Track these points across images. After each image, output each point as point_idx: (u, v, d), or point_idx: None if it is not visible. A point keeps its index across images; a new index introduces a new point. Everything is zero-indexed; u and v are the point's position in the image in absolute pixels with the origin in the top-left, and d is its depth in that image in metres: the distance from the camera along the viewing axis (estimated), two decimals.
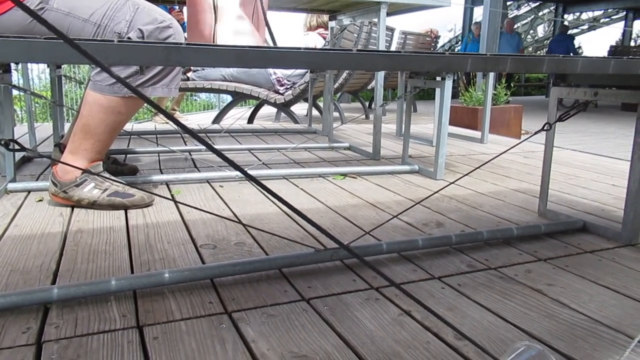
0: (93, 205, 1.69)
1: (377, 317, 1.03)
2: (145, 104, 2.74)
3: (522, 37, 10.60)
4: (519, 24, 16.30)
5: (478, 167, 1.75)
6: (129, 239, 1.44)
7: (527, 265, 1.34)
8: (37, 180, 2.11)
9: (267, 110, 5.86)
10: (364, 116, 5.69)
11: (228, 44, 0.91)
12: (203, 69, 4.51)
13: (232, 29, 2.14)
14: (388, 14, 2.87)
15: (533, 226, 1.59)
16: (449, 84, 2.33)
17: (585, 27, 16.42)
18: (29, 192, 1.90)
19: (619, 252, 1.47)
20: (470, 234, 1.49)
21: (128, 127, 3.75)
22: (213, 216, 1.63)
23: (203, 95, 9.43)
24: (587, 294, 1.17)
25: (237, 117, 4.35)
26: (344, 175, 2.37)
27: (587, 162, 2.91)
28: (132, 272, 1.22)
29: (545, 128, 1.60)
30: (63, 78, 2.86)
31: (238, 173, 2.20)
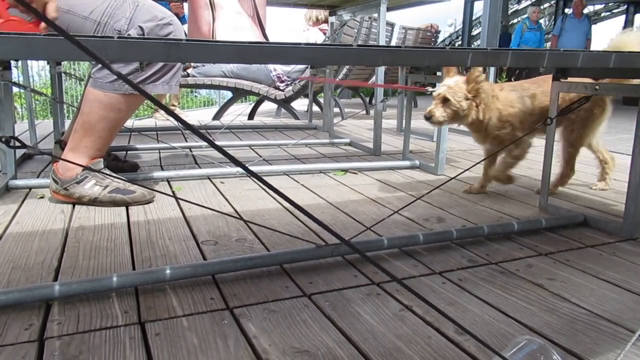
0: (94, 202, 1.69)
1: (379, 312, 1.03)
2: (146, 101, 2.74)
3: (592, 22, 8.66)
4: (519, 19, 16.18)
5: (479, 162, 1.75)
6: (130, 236, 1.44)
7: (528, 259, 1.34)
8: (38, 177, 2.12)
9: (268, 106, 5.85)
10: (364, 112, 5.68)
11: (228, 40, 0.91)
12: (203, 65, 4.51)
13: (231, 25, 2.13)
14: (388, 9, 2.86)
15: (534, 221, 1.59)
16: None
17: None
18: (30, 189, 1.91)
19: (619, 246, 1.47)
20: (471, 229, 1.49)
21: (129, 124, 3.75)
22: (214, 212, 1.63)
23: (203, 92, 9.42)
24: (588, 288, 1.18)
25: (238, 113, 4.34)
26: (345, 171, 2.37)
27: (588, 156, 2.91)
28: (134, 268, 1.22)
29: (546, 122, 1.60)
30: (63, 75, 2.86)
31: (239, 169, 2.20)
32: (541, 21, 8.09)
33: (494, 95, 1.86)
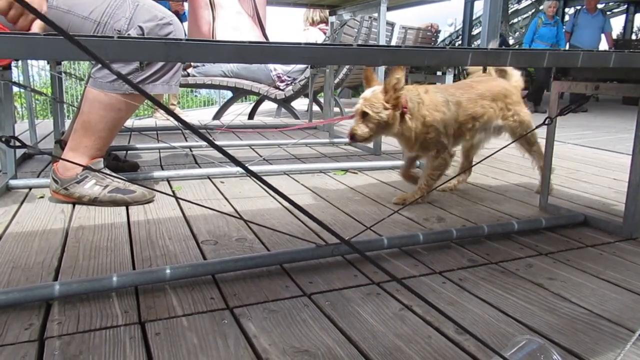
0: (94, 201, 1.69)
1: (379, 312, 1.03)
2: (146, 101, 2.74)
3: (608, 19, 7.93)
4: (519, 18, 16.12)
5: (479, 162, 1.75)
6: (131, 236, 1.44)
7: (528, 259, 1.34)
8: (38, 177, 2.12)
9: (268, 106, 5.85)
10: None
11: (228, 40, 0.90)
12: (203, 65, 4.51)
13: (232, 24, 2.13)
14: (388, 9, 2.86)
15: (534, 220, 1.59)
16: (449, 78, 2.33)
17: None
18: (30, 189, 1.91)
19: (620, 246, 1.47)
20: (471, 229, 1.49)
21: (129, 123, 3.75)
22: (214, 212, 1.63)
23: (203, 91, 9.41)
24: (588, 287, 1.18)
25: (238, 113, 4.34)
26: (345, 170, 2.37)
27: (588, 156, 2.91)
28: (134, 268, 1.22)
29: (546, 122, 1.60)
30: (63, 75, 2.86)
31: (239, 169, 2.20)
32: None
33: (419, 101, 1.76)
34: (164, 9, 1.68)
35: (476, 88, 1.89)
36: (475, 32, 12.50)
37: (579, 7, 7.55)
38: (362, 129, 1.71)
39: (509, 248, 1.42)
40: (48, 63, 2.82)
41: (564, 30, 7.74)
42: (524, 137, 1.94)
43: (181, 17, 4.27)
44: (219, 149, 0.59)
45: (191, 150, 2.77)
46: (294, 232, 1.49)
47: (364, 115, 1.70)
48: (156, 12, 1.64)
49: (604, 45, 7.58)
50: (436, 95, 1.81)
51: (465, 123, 1.85)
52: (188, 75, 4.47)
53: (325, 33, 4.87)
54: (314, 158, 2.69)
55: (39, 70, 6.98)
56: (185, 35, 2.15)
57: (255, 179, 0.67)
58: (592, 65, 1.26)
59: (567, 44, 7.56)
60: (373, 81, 1.80)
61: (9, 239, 1.39)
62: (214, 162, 2.45)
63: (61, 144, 1.97)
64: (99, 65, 1.64)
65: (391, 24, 5.98)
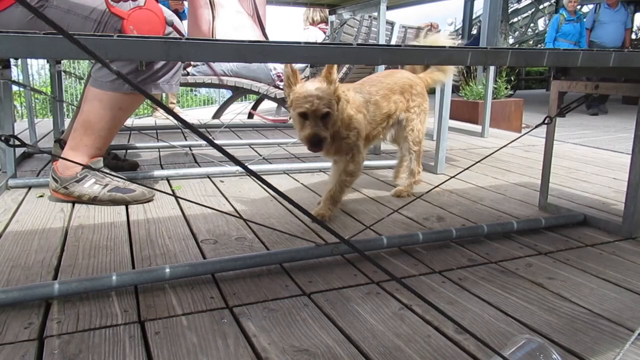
0: (94, 200, 1.69)
1: (378, 311, 1.03)
2: (146, 100, 2.74)
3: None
4: (519, 18, 16.10)
5: (479, 161, 1.75)
6: (130, 235, 1.44)
7: (528, 259, 1.34)
8: (37, 176, 2.12)
9: (268, 105, 5.85)
10: None
11: (227, 39, 0.90)
12: (203, 64, 4.50)
13: (231, 23, 2.13)
14: (388, 8, 2.86)
15: (534, 220, 1.59)
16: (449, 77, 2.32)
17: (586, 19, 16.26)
18: (29, 188, 1.91)
19: (619, 245, 1.47)
20: (471, 228, 1.49)
21: (128, 122, 3.75)
22: (214, 211, 1.63)
23: (203, 90, 9.41)
24: (588, 287, 1.18)
25: (238, 112, 4.34)
26: None
27: (588, 156, 2.91)
28: (134, 267, 1.22)
29: (545, 122, 1.60)
30: (63, 73, 2.86)
31: (239, 168, 2.20)
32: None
33: (346, 99, 1.58)
34: (164, 8, 1.68)
35: (385, 82, 1.83)
36: (474, 31, 12.50)
37: (600, 2, 7.31)
38: (327, 133, 1.46)
39: (509, 247, 1.42)
40: (48, 62, 2.82)
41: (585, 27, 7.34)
42: (404, 129, 1.90)
43: (181, 15, 4.26)
44: (219, 148, 0.59)
45: (191, 149, 2.77)
46: (293, 231, 1.49)
47: (324, 116, 1.45)
48: None
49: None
50: (357, 95, 1.69)
51: (382, 122, 1.80)
52: (188, 74, 4.46)
53: (325, 32, 4.87)
54: (314, 157, 2.69)
55: (38, 69, 6.98)
56: (185, 34, 2.15)
57: (254, 178, 0.67)
58: (592, 65, 1.26)
59: (588, 41, 7.28)
60: (298, 76, 1.51)
61: (9, 238, 1.39)
62: (214, 161, 2.45)
63: (61, 143, 1.97)
64: (99, 65, 1.64)
65: (391, 23, 5.97)
